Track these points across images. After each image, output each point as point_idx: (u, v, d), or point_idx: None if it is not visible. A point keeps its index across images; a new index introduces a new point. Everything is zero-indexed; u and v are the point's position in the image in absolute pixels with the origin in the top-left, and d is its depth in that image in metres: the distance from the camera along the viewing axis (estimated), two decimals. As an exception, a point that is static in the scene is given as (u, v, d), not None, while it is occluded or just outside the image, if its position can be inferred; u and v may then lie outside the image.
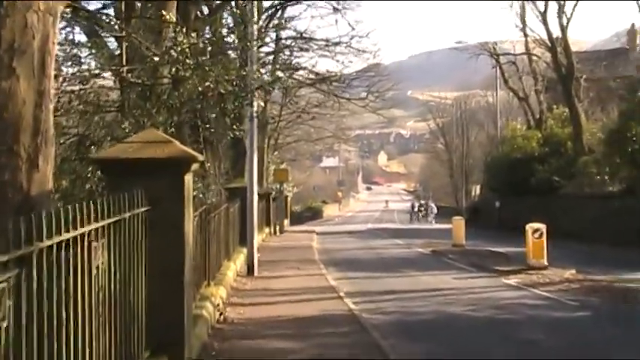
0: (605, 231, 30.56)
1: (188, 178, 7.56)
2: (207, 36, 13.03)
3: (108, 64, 11.71)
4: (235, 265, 18.65)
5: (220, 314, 12.61)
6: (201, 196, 18.65)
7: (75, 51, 11.18)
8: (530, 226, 20.81)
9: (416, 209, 72.62)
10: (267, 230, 36.78)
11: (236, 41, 15.85)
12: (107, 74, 12.10)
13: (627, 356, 10.68)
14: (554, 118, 43.92)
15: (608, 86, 42.33)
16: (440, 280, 19.52)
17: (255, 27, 15.98)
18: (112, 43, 12.93)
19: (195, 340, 8.88)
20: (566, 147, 40.55)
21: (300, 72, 35.81)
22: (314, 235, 38.87)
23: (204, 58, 11.47)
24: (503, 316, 13.78)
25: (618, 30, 75.96)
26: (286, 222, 47.36)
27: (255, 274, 19.42)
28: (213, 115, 12.85)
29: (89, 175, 9.91)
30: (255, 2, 17.48)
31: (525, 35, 45.13)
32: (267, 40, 34.23)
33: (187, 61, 11.06)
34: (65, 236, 4.46)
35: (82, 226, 4.83)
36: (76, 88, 11.10)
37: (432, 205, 70.08)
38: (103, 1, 12.56)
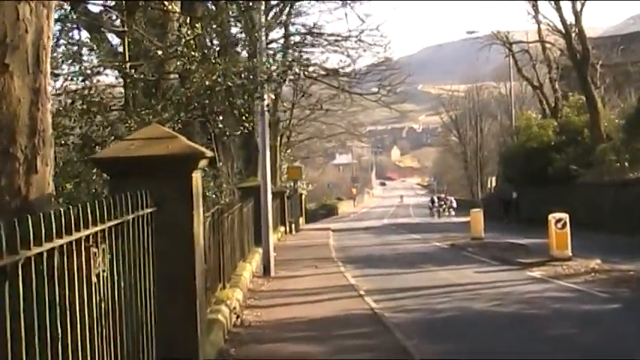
0: (625, 219, 29.87)
1: (196, 176, 7.08)
2: (214, 26, 12.54)
3: (110, 60, 11.25)
4: (251, 265, 18.22)
5: (237, 317, 12.17)
6: (213, 196, 18.25)
7: (75, 48, 10.75)
8: (552, 216, 20.23)
9: (436, 203, 69.00)
10: (282, 229, 36.37)
11: (243, 33, 15.39)
12: (110, 71, 11.66)
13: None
14: (570, 106, 43.19)
15: (625, 71, 41.58)
16: (461, 274, 19.00)
17: (263, 17, 15.48)
18: (114, 39, 12.53)
19: (210, 347, 8.42)
20: (583, 135, 39.82)
21: (311, 68, 35.34)
22: (330, 233, 38.46)
23: (210, 49, 11.00)
24: (530, 311, 13.23)
25: (631, 14, 75.13)
26: (301, 220, 46.96)
27: (272, 274, 18.98)
28: (221, 111, 12.36)
29: (94, 178, 9.47)
30: None
31: (538, 22, 44.38)
32: (276, 36, 33.83)
33: (193, 54, 10.61)
34: (58, 242, 3.99)
35: (78, 230, 4.36)
36: (79, 87, 10.67)
37: (452, 198, 69.01)
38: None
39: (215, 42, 14.13)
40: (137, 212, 5.86)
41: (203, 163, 7.16)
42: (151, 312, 6.27)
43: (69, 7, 10.75)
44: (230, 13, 14.17)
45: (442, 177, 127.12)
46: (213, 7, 15.16)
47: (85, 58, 11.01)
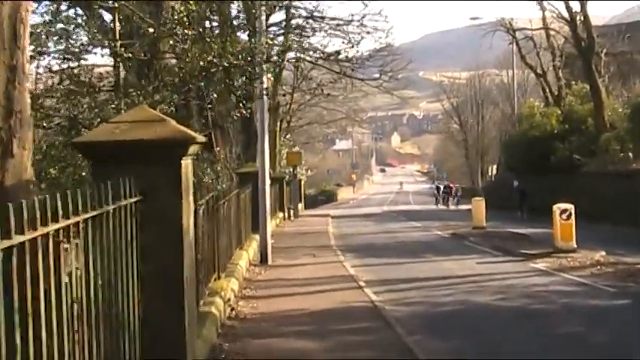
0: (628, 210, 29.40)
1: (186, 163, 6.55)
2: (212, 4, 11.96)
3: (100, 38, 10.65)
4: (248, 253, 17.75)
5: (232, 309, 11.69)
6: (210, 182, 17.76)
7: (62, 25, 10.16)
8: (557, 207, 19.74)
9: (442, 191, 64.19)
10: (280, 215, 35.98)
11: (241, 12, 14.79)
12: (100, 50, 11.06)
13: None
14: (574, 95, 42.60)
15: (630, 60, 40.98)
16: (463, 265, 18.53)
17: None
18: (107, 16, 11.89)
19: (202, 343, 7.94)
20: (586, 124, 39.28)
21: (311, 52, 34.74)
22: (329, 220, 38.07)
23: (206, 28, 10.41)
24: (536, 305, 12.74)
25: (635, 3, 74.51)
26: (300, 206, 46.55)
27: (269, 262, 18.51)
28: (216, 94, 11.78)
29: (79, 163, 8.93)
30: None
31: (543, 9, 43.73)
32: (277, 19, 33.18)
33: (186, 32, 10.04)
34: (18, 239, 3.47)
35: (45, 224, 3.85)
36: (65, 66, 10.12)
37: (457, 186, 66.44)
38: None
39: (213, 22, 13.54)
40: (119, 202, 5.35)
41: (194, 148, 6.63)
42: (135, 311, 5.77)
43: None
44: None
45: (442, 164, 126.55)
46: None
47: (73, 35, 10.43)
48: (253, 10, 14.01)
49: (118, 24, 10.16)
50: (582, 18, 38.59)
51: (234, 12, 15.75)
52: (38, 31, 9.59)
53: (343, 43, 31.31)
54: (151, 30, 10.28)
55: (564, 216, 19.51)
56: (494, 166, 64.87)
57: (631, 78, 40.90)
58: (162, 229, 6.14)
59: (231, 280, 13.06)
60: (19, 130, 6.06)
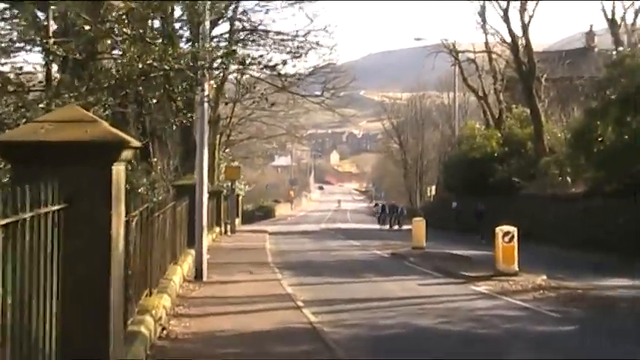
0: (567, 233, 29.61)
1: (118, 169, 5.93)
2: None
3: (33, 35, 9.90)
4: (182, 269, 17.05)
5: (163, 329, 11.00)
6: (145, 193, 17.06)
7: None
8: (500, 229, 19.52)
9: (387, 211, 57.99)
10: (217, 230, 35.30)
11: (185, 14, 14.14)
12: (32, 48, 10.28)
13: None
14: (514, 118, 42.95)
15: (569, 86, 41.47)
16: (404, 286, 18.14)
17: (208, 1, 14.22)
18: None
19: (129, 365, 7.29)
20: (526, 147, 39.61)
21: (254, 66, 34.15)
22: (266, 236, 37.56)
23: (147, 29, 9.78)
24: (481, 330, 12.36)
25: (571, 34, 75.98)
26: (238, 221, 45.87)
27: (204, 278, 17.86)
28: (155, 100, 11.12)
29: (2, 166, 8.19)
30: None
31: (485, 32, 44.14)
32: (221, 31, 32.61)
33: (125, 30, 9.39)
34: None
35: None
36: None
37: (402, 206, 62.04)
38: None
39: (155, 22, 12.90)
40: (38, 210, 4.72)
41: (127, 153, 6.01)
42: (53, 330, 5.13)
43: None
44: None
45: (381, 183, 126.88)
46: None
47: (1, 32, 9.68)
48: (197, 8, 13.34)
49: (52, 21, 9.47)
50: (524, 42, 38.94)
51: (177, 13, 15.09)
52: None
53: (288, 54, 30.76)
54: (87, 27, 9.61)
55: (507, 238, 19.30)
56: (434, 187, 65.02)
57: (569, 104, 41.32)
58: (88, 240, 5.52)
59: (164, 297, 12.38)
60: None
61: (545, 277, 19.05)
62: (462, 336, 11.87)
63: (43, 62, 9.80)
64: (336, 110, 48.82)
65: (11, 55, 9.71)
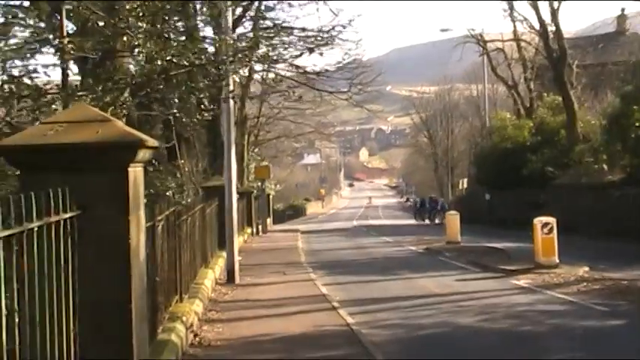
0: (604, 223, 28.79)
1: (135, 171, 5.50)
2: None
3: (48, 34, 9.51)
4: (214, 272, 16.72)
5: (195, 335, 10.62)
6: (173, 195, 16.76)
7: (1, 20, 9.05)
8: (538, 220, 18.88)
9: (427, 205, 54.42)
10: (248, 231, 34.98)
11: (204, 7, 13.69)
12: (47, 49, 9.90)
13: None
14: (546, 107, 42.08)
15: (601, 71, 40.57)
16: (441, 282, 17.60)
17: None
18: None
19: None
20: (559, 136, 38.75)
21: (280, 65, 33.83)
22: (298, 235, 37.15)
23: (164, 23, 9.36)
24: (525, 327, 11.80)
25: (600, 18, 74.68)
26: (269, 221, 45.58)
27: (237, 281, 17.49)
28: (177, 99, 10.69)
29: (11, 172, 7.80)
30: None
31: (513, 20, 43.33)
32: (244, 30, 32.21)
33: (140, 24, 8.98)
34: None
35: None
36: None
37: (442, 200, 59.94)
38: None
39: (174, 17, 12.47)
40: (48, 218, 4.31)
41: (144, 154, 5.57)
42: (71, 350, 4.72)
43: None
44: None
45: (410, 178, 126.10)
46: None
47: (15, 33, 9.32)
48: (219, 3, 12.87)
49: (66, 20, 9.10)
50: (554, 28, 38.13)
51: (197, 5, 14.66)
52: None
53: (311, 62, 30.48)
54: (101, 24, 9.22)
55: (546, 230, 18.67)
56: (465, 180, 64.14)
57: (602, 90, 40.45)
58: (105, 250, 5.11)
59: (195, 302, 12.03)
60: None
61: (587, 268, 18.42)
62: (505, 334, 11.34)
63: (59, 63, 9.42)
64: (364, 106, 48.35)
65: (26, 56, 9.34)
